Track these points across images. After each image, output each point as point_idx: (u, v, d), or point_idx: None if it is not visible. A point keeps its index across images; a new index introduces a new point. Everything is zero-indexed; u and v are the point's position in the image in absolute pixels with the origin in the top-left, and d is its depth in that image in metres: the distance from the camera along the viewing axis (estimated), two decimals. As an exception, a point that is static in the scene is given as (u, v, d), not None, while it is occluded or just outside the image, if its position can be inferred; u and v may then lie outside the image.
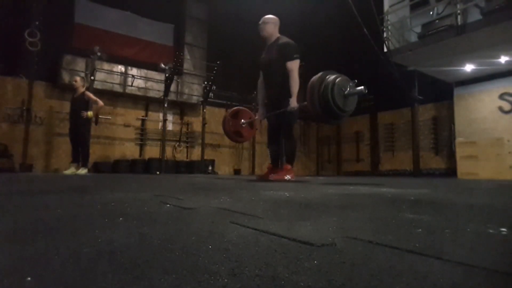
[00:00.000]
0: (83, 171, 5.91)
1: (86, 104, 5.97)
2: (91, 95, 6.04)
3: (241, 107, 4.90)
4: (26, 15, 7.72)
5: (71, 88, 6.45)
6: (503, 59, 6.98)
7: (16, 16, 7.75)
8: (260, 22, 3.98)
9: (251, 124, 4.73)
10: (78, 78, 6.19)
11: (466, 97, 8.35)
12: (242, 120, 4.62)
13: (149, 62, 9.46)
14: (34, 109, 7.89)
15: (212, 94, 9.68)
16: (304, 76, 3.63)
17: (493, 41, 6.29)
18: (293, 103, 3.68)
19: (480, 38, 6.27)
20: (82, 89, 6.07)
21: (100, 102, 6.09)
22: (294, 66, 3.73)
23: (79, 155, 6.00)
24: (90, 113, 5.97)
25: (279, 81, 3.82)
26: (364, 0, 7.11)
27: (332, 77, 3.08)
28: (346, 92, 3.07)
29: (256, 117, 4.44)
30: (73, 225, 0.84)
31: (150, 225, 0.82)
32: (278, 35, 3.98)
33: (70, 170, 5.85)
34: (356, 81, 3.12)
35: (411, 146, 9.33)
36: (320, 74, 3.14)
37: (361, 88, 3.04)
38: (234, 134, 4.68)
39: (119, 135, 9.13)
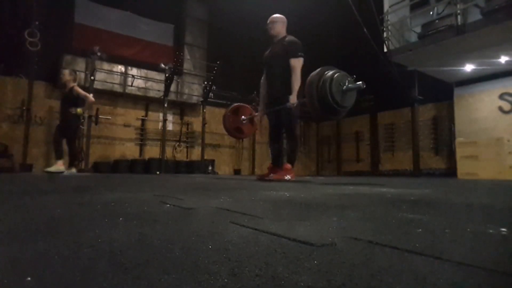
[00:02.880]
0: (72, 170, 5.48)
1: (75, 100, 5.49)
2: (80, 91, 5.56)
3: (241, 104, 4.91)
4: (26, 15, 7.72)
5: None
6: (503, 59, 6.98)
7: (16, 16, 7.76)
8: (268, 21, 4.03)
9: (251, 120, 4.74)
10: (66, 72, 5.71)
11: (466, 97, 8.35)
12: (243, 117, 4.63)
13: (149, 62, 9.46)
14: (34, 109, 7.89)
15: (212, 94, 9.69)
16: (304, 74, 3.64)
17: (493, 41, 6.29)
18: (293, 99, 3.70)
19: (480, 38, 6.27)
20: (71, 84, 5.55)
21: (90, 98, 5.63)
22: (297, 63, 3.76)
23: (62, 151, 5.46)
24: (79, 110, 5.50)
25: (281, 78, 3.85)
26: (364, 0, 7.11)
27: (331, 72, 3.09)
28: (344, 87, 3.07)
29: (257, 114, 4.46)
30: (73, 225, 0.84)
31: (150, 225, 0.82)
32: (285, 33, 4.04)
33: (54, 167, 5.34)
34: (354, 76, 3.13)
35: (411, 146, 9.34)
36: (318, 69, 3.15)
37: (360, 83, 3.04)
38: (235, 130, 4.70)
39: (119, 135, 9.13)
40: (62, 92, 5.85)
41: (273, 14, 4.11)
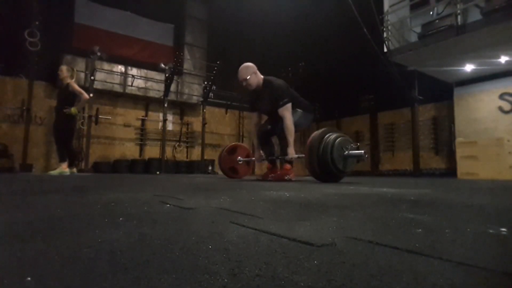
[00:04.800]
0: (72, 170, 5.39)
1: (70, 97, 5.32)
2: (76, 87, 5.34)
3: (239, 143, 4.93)
4: (26, 15, 7.73)
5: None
6: (503, 59, 6.98)
7: (16, 16, 7.76)
8: (241, 80, 3.86)
9: (247, 163, 4.73)
10: (63, 68, 5.52)
11: (466, 97, 8.35)
12: (239, 158, 4.61)
13: (149, 62, 9.47)
14: (34, 109, 7.90)
15: (212, 94, 9.69)
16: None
17: (493, 41, 6.29)
18: (291, 153, 3.63)
19: (480, 38, 6.27)
20: (68, 80, 5.38)
21: (85, 95, 5.39)
22: (285, 112, 3.65)
23: (65, 153, 5.36)
24: (73, 109, 5.27)
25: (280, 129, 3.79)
26: (364, 0, 7.11)
27: (333, 136, 3.07)
28: (346, 153, 3.06)
29: (253, 159, 4.37)
30: (73, 225, 0.84)
31: (150, 225, 0.82)
32: (262, 78, 3.90)
33: (57, 170, 5.27)
34: (358, 144, 3.12)
35: (411, 146, 9.33)
36: (320, 131, 3.13)
37: (361, 152, 3.03)
38: (229, 170, 4.65)
39: (119, 135, 9.13)
40: (59, 88, 5.71)
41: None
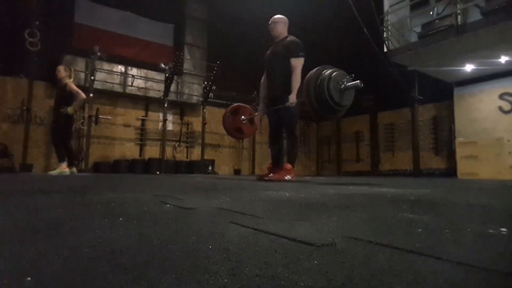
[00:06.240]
0: (72, 170, 5.35)
1: (68, 96, 5.27)
2: (73, 86, 5.29)
3: (241, 104, 4.91)
4: (26, 15, 7.73)
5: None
6: (503, 59, 6.98)
7: (16, 16, 7.76)
8: (270, 22, 4.06)
9: (251, 121, 4.73)
10: (61, 68, 5.47)
11: (466, 97, 8.35)
12: (242, 117, 4.63)
13: (149, 62, 9.46)
14: (34, 109, 7.89)
15: (212, 94, 9.69)
16: (304, 74, 3.65)
17: (493, 41, 6.29)
18: (292, 98, 3.71)
19: (480, 38, 6.27)
20: (66, 80, 5.33)
21: (82, 95, 5.33)
22: (298, 63, 3.79)
23: (63, 153, 5.32)
24: (70, 109, 5.22)
25: (282, 77, 3.86)
26: (364, 0, 7.12)
27: (328, 71, 3.09)
28: (342, 86, 3.07)
29: (257, 114, 4.45)
30: (73, 225, 0.84)
31: (150, 225, 0.82)
32: (287, 34, 4.05)
33: (57, 171, 5.22)
34: (353, 75, 3.13)
35: (411, 146, 9.34)
36: (316, 69, 3.16)
37: (357, 82, 3.04)
38: (235, 130, 4.69)
39: (119, 135, 9.13)
40: (56, 88, 5.66)
41: (273, 14, 4.12)
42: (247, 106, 4.94)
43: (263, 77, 4.26)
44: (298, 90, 3.80)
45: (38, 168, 7.79)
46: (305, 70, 3.61)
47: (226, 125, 4.64)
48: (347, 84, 3.07)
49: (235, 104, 4.86)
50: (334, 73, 3.06)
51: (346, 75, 3.13)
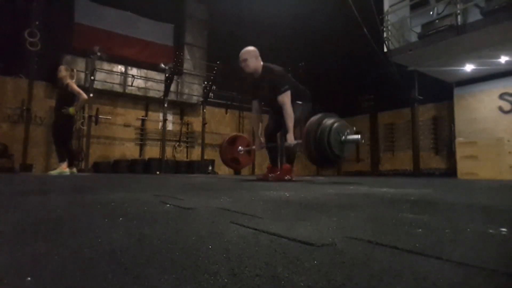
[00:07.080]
0: (72, 170, 5.35)
1: (69, 97, 5.27)
2: (75, 87, 5.29)
3: (238, 134, 4.96)
4: (26, 15, 7.73)
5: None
6: (503, 59, 6.98)
7: (16, 16, 7.76)
8: (240, 60, 3.82)
9: (248, 152, 4.75)
10: (62, 68, 5.47)
11: (466, 97, 8.35)
12: (240, 147, 4.63)
13: (149, 62, 9.47)
14: (34, 109, 7.90)
15: (212, 94, 9.69)
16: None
17: (493, 41, 6.29)
18: (290, 139, 3.61)
19: (480, 38, 6.27)
20: (67, 80, 5.32)
21: (83, 95, 5.35)
22: (285, 99, 3.63)
23: (64, 153, 5.31)
24: (71, 109, 5.23)
25: (279, 115, 3.78)
26: (364, 0, 7.12)
27: (330, 121, 3.06)
28: (343, 138, 3.06)
29: (253, 147, 4.36)
30: (73, 225, 0.84)
31: (150, 225, 0.82)
32: (261, 64, 3.84)
33: (57, 171, 5.22)
34: (354, 128, 3.13)
35: (411, 146, 9.34)
36: (318, 116, 3.13)
37: (358, 137, 3.04)
38: (231, 160, 4.69)
39: (119, 135, 9.13)
40: (58, 88, 5.64)
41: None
42: (245, 136, 4.99)
43: (254, 107, 4.09)
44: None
45: (38, 168, 7.80)
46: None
47: (223, 155, 4.65)
48: (348, 137, 3.07)
49: (233, 134, 4.90)
50: (335, 124, 3.04)
51: (348, 126, 3.12)
